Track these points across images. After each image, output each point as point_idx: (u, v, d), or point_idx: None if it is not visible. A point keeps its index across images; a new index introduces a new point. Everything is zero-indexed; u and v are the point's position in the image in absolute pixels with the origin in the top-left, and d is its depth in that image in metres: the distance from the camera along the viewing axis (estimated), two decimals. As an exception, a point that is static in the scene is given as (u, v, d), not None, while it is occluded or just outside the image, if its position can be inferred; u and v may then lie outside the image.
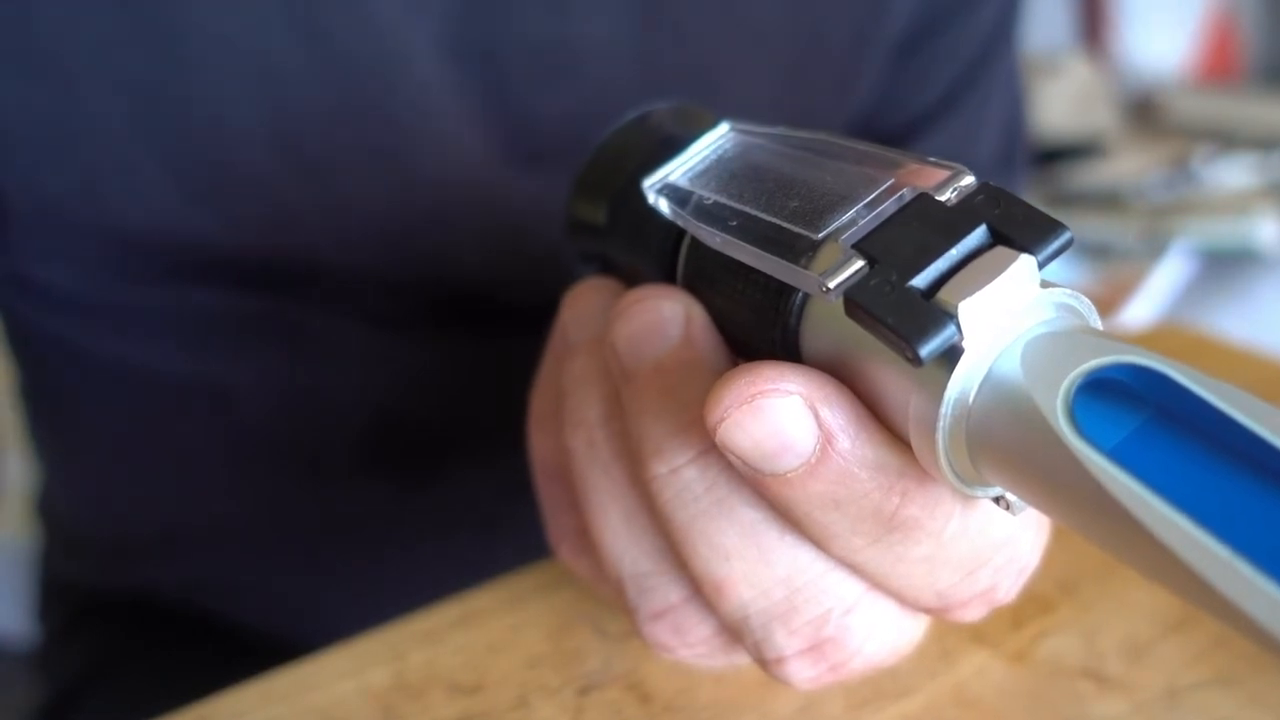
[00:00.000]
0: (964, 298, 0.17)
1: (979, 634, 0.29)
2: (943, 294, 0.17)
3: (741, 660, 0.24)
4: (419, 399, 0.44)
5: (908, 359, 0.17)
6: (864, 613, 0.22)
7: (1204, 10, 1.45)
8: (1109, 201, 1.11)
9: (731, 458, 0.19)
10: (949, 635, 0.29)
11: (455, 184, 0.39)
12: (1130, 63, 1.41)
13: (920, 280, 0.17)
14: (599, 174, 0.26)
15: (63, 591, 0.52)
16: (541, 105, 0.39)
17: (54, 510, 0.52)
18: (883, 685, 0.27)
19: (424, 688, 0.28)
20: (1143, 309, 0.92)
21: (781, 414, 0.19)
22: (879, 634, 0.22)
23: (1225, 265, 1.01)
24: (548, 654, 0.29)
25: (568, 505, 0.26)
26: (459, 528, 0.45)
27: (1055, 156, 1.19)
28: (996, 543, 0.21)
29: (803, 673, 0.22)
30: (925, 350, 0.17)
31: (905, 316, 0.17)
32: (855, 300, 0.18)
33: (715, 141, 0.24)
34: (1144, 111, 1.34)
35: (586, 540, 0.25)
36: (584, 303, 0.25)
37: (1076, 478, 0.16)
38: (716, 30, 0.41)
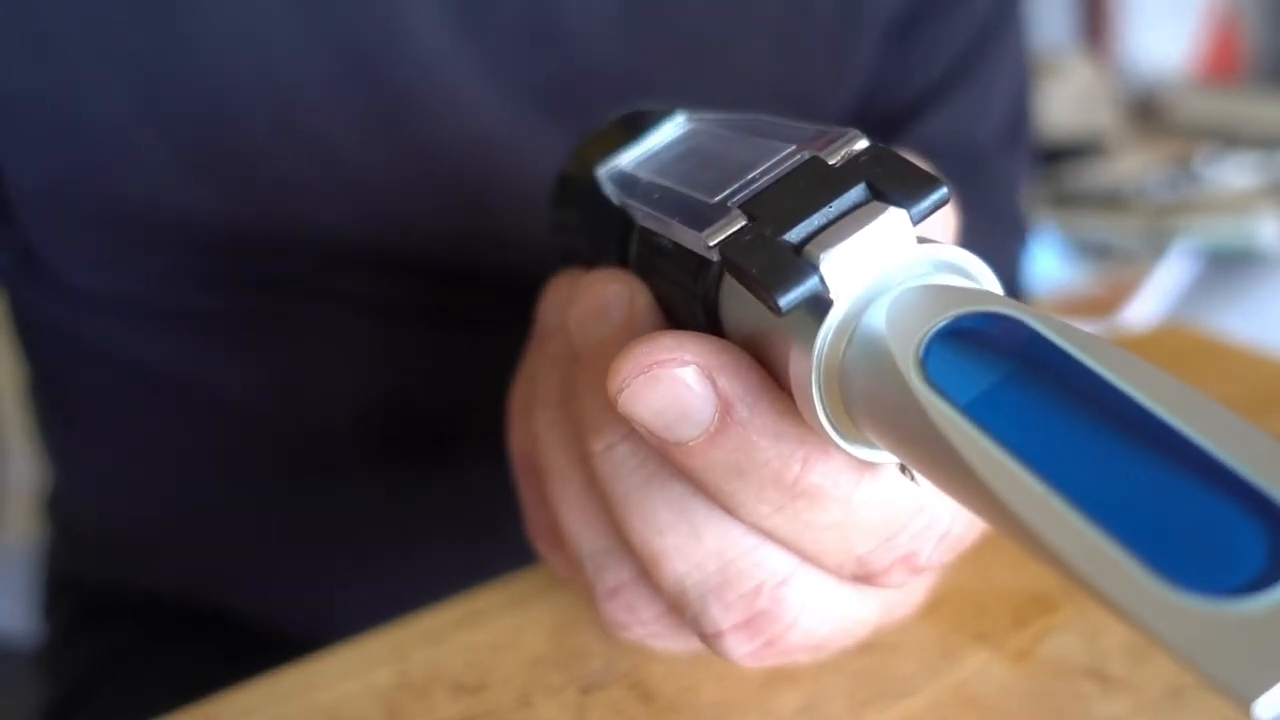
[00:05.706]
0: (828, 248, 0.17)
1: (981, 633, 0.29)
2: (810, 246, 0.17)
3: (696, 643, 0.24)
4: (419, 393, 0.44)
5: (770, 309, 0.17)
6: (798, 585, 0.22)
7: (1206, 10, 1.45)
8: (1111, 201, 1.11)
9: (637, 427, 0.20)
10: (951, 635, 0.29)
11: (452, 155, 0.39)
12: (1132, 62, 1.41)
13: (794, 235, 0.18)
14: (573, 175, 0.26)
15: (68, 589, 0.52)
16: (536, 78, 0.39)
17: (60, 507, 0.52)
18: (885, 685, 0.27)
19: (428, 687, 0.28)
20: (1145, 309, 0.92)
21: (678, 383, 0.19)
22: (815, 607, 0.22)
23: (1227, 265, 1.01)
24: (550, 653, 0.29)
25: (543, 498, 0.26)
26: (462, 522, 0.45)
27: (1057, 156, 1.19)
28: (910, 509, 0.21)
29: (741, 647, 0.22)
30: (785, 300, 0.17)
31: (770, 267, 0.17)
32: (727, 255, 0.18)
33: (669, 130, 0.25)
34: (1146, 111, 1.35)
35: (560, 533, 0.25)
36: (556, 291, 0.25)
37: (925, 430, 0.16)
38: (702, 1, 0.41)
